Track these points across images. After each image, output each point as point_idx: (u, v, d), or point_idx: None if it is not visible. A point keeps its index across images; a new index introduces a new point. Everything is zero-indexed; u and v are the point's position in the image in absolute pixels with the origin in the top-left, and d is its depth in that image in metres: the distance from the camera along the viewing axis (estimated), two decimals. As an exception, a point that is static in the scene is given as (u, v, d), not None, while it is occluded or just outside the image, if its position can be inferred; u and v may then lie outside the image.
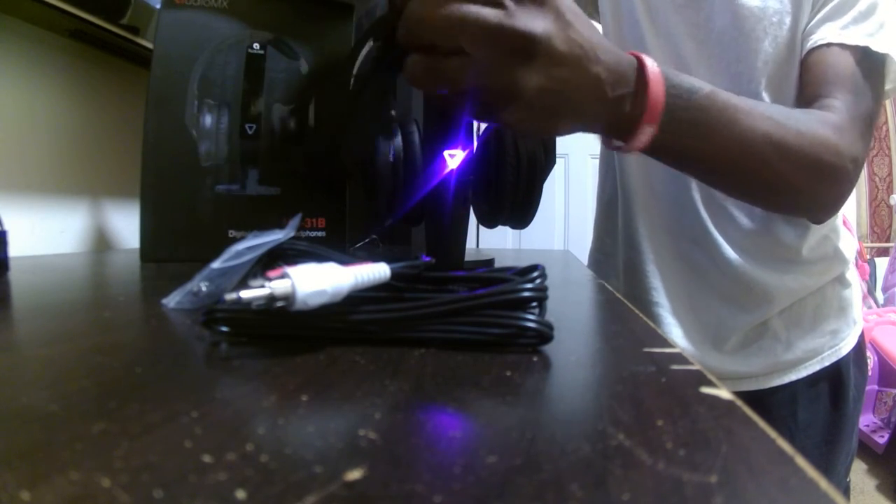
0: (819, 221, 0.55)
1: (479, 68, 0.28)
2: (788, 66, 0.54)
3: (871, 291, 2.52)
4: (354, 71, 0.40)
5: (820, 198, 0.47)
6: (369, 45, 0.46)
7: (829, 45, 0.50)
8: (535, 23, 0.28)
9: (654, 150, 0.38)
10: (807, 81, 0.52)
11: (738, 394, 0.14)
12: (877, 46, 0.49)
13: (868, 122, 0.49)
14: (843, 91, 0.49)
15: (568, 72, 0.30)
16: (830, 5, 0.51)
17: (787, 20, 0.53)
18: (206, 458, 0.11)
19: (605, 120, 0.34)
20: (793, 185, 0.44)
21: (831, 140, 0.44)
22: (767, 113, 0.41)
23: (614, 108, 0.33)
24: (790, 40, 0.53)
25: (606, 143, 0.39)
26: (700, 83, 0.38)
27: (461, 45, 0.28)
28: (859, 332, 0.65)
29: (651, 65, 0.34)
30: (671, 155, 0.40)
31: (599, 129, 0.36)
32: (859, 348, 0.65)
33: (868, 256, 2.71)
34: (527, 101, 0.29)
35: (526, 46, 0.28)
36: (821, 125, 0.45)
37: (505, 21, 0.27)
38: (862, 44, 0.49)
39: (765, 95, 0.54)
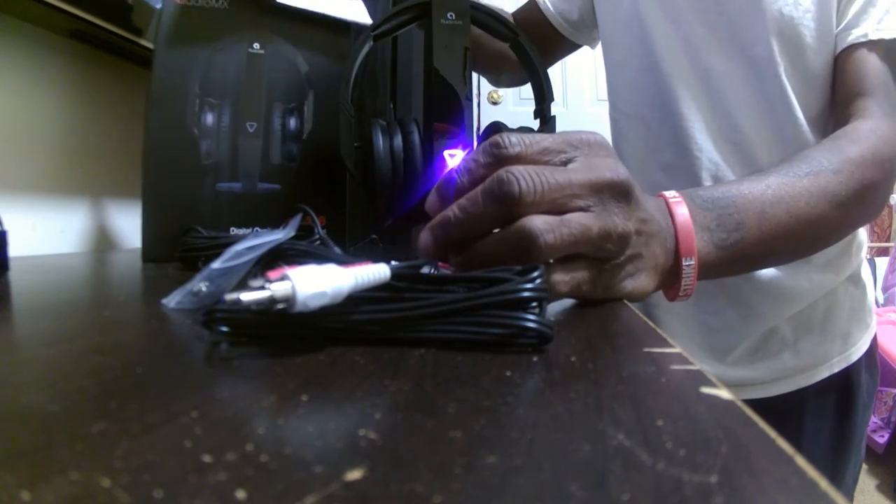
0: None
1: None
2: (810, 52, 0.53)
3: (871, 291, 2.52)
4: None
5: (876, 207, 0.48)
6: (369, 44, 0.46)
7: (863, 43, 0.51)
8: (617, 220, 0.29)
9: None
10: (842, 81, 0.52)
11: (743, 402, 0.14)
12: None
13: None
14: (875, 88, 0.49)
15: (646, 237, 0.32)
16: (859, 2, 0.51)
17: (813, 8, 0.52)
18: (206, 458, 0.11)
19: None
20: (852, 222, 0.45)
21: (866, 154, 0.44)
22: (798, 188, 0.40)
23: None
24: (815, 31, 0.52)
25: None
26: (732, 203, 0.37)
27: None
28: (872, 336, 0.63)
29: (682, 218, 0.34)
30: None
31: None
32: (871, 352, 0.62)
33: (868, 256, 2.70)
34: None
35: (620, 244, 0.30)
36: (848, 145, 0.44)
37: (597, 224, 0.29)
38: (887, 37, 0.49)
39: (784, 79, 0.53)
